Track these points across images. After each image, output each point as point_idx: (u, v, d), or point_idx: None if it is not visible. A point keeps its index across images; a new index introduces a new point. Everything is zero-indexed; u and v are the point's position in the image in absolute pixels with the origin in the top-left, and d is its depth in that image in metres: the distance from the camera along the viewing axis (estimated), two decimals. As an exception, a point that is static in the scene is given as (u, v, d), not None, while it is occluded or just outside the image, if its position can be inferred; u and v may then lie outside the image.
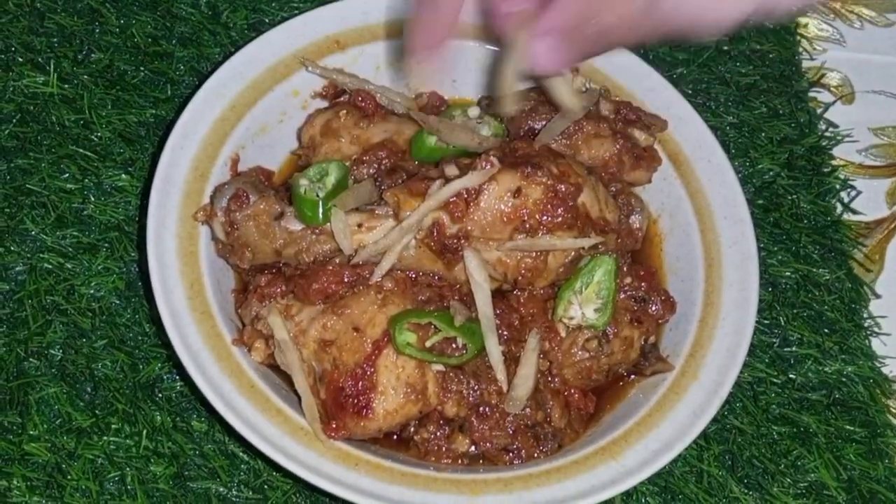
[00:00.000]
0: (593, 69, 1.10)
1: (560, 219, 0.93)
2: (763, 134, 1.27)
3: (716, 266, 1.02)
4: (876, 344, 1.15)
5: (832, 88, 1.34)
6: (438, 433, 0.94)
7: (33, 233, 1.08)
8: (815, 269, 1.18)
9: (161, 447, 0.99)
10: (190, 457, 0.99)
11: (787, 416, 1.08)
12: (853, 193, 1.26)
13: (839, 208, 1.24)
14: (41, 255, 1.07)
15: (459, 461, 0.94)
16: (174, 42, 1.22)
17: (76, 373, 1.01)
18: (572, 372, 0.97)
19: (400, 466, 0.89)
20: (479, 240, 0.93)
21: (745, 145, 1.25)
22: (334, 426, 0.90)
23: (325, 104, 1.10)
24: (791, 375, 1.11)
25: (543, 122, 1.03)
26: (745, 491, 1.03)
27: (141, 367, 1.02)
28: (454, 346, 0.92)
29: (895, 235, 1.24)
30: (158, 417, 1.00)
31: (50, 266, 1.06)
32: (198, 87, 1.04)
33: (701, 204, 1.06)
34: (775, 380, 1.10)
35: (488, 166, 0.92)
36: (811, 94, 1.32)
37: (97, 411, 0.99)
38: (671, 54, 1.29)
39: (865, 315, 1.16)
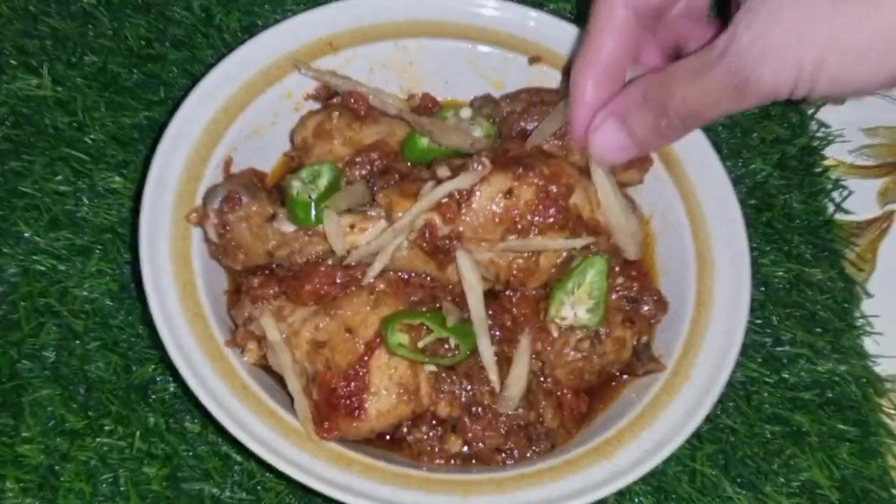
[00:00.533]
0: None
1: (552, 219, 0.93)
2: (755, 134, 1.27)
3: (708, 266, 1.02)
4: (868, 343, 1.15)
5: (824, 89, 1.35)
6: (431, 434, 0.94)
7: (27, 235, 1.08)
8: (807, 269, 1.18)
9: (154, 448, 0.99)
10: (183, 458, 0.99)
11: (779, 416, 1.08)
12: (845, 193, 1.26)
13: (831, 208, 1.24)
14: (34, 258, 1.07)
15: (452, 462, 0.94)
16: (167, 45, 1.22)
17: (69, 375, 1.01)
18: (565, 372, 0.97)
19: (393, 467, 0.89)
20: (471, 241, 0.93)
21: (738, 146, 1.26)
22: (327, 427, 0.90)
23: (317, 106, 1.10)
24: (784, 375, 1.11)
25: (535, 124, 1.03)
26: (738, 490, 1.03)
27: (134, 368, 1.02)
28: (446, 346, 0.92)
29: (886, 235, 1.25)
30: (152, 419, 1.00)
31: (43, 268, 1.06)
32: (191, 89, 1.04)
33: (693, 204, 1.06)
34: (768, 379, 1.10)
35: (480, 167, 0.92)
36: (803, 95, 1.33)
37: (90, 413, 1.00)
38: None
39: (857, 314, 1.17)
